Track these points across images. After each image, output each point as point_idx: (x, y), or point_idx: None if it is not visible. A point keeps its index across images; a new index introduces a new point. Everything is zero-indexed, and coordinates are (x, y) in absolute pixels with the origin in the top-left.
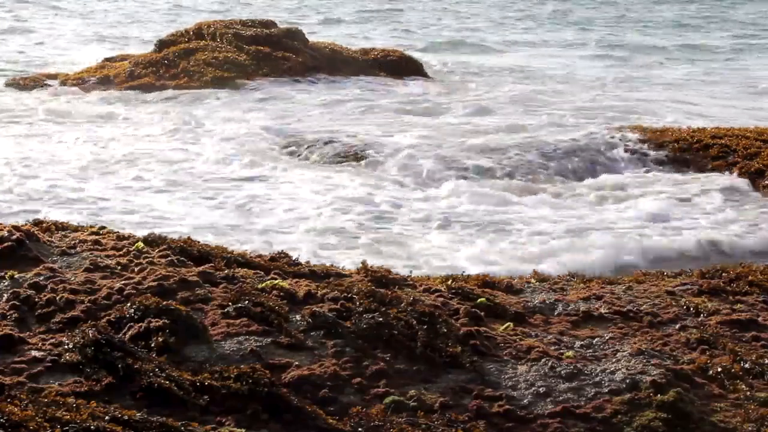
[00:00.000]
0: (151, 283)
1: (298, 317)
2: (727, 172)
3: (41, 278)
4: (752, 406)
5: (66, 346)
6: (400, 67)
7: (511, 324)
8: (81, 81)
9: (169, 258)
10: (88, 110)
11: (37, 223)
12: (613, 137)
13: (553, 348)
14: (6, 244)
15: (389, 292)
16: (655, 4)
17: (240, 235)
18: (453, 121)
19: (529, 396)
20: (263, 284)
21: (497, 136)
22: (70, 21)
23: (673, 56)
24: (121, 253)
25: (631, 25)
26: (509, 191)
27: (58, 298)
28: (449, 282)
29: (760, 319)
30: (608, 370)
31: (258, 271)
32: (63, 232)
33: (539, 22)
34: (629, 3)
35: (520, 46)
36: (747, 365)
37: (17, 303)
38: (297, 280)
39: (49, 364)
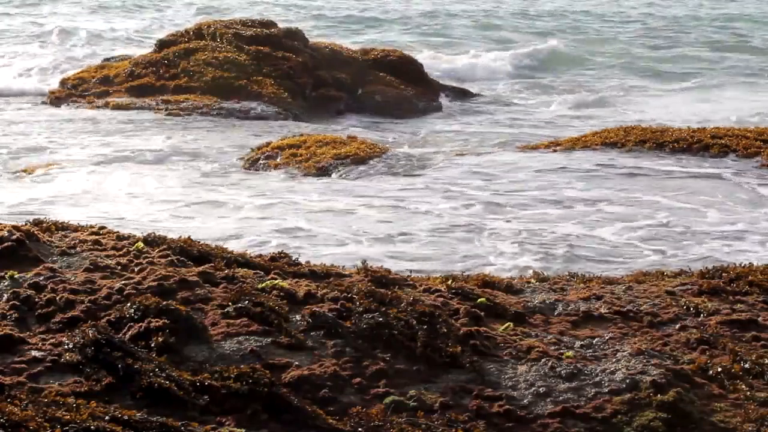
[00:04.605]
0: (151, 283)
1: (298, 317)
2: None
3: (41, 278)
4: (752, 406)
5: (66, 346)
6: (400, 68)
7: (511, 324)
8: (81, 81)
9: (169, 258)
10: None
11: (37, 223)
12: None
13: (553, 348)
14: (6, 244)
15: (389, 292)
16: None
17: None
18: None
19: (529, 396)
20: (263, 284)
21: None
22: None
23: None
24: (121, 253)
25: None
26: None
27: (58, 298)
28: (449, 282)
29: (760, 319)
30: (608, 370)
31: (258, 271)
32: (63, 232)
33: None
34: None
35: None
36: (747, 365)
37: (17, 303)
38: (297, 280)
39: (49, 364)
